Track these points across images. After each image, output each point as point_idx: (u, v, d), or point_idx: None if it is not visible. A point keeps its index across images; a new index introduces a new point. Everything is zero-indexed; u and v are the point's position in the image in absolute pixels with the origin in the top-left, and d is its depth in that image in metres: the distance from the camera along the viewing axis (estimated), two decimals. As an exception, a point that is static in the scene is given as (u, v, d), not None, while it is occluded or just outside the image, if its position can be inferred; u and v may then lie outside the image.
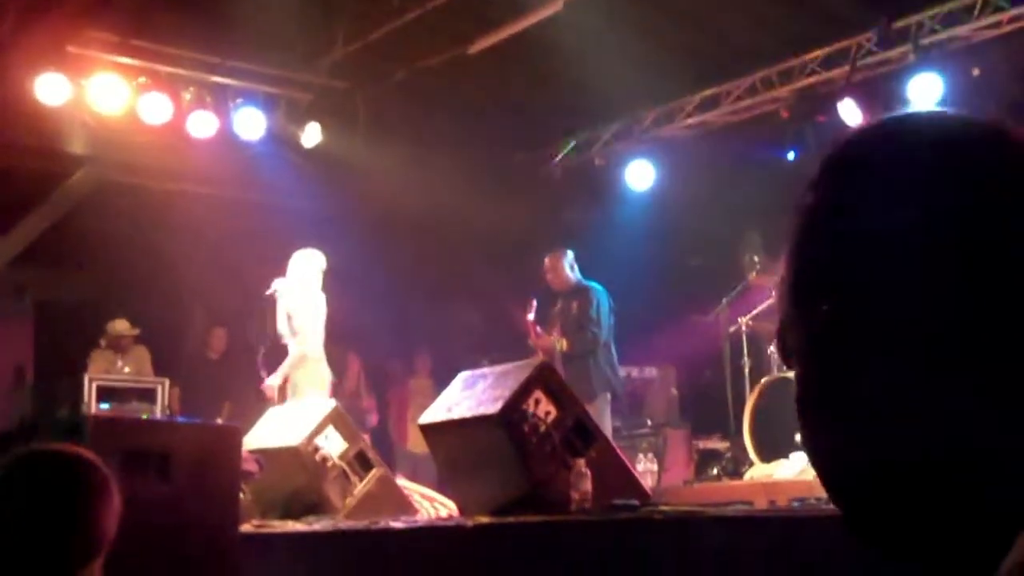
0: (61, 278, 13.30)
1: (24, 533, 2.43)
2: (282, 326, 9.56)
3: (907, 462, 0.90)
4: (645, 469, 9.33)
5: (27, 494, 2.46)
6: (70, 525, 2.46)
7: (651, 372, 11.22)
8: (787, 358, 1.00)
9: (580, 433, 5.74)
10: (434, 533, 5.67)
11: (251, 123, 11.12)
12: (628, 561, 4.64)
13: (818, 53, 10.46)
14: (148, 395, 9.97)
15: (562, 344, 9.53)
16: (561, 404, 5.77)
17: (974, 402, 0.88)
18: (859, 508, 0.94)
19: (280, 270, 9.68)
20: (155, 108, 10.61)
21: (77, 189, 11.43)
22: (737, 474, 9.30)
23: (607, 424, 9.16)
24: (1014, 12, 9.31)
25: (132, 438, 4.97)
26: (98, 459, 2.56)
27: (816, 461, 0.97)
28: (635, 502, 5.44)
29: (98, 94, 10.37)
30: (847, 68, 10.18)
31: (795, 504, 6.60)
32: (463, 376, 6.38)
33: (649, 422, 10.70)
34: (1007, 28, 9.46)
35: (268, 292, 9.53)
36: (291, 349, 9.55)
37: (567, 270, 9.75)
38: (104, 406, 9.63)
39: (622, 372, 10.06)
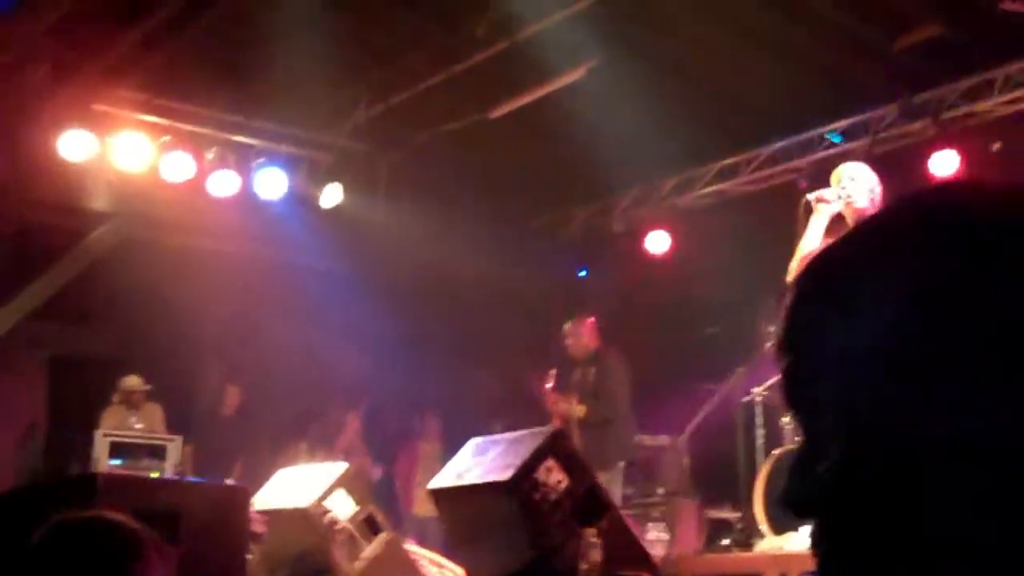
0: (79, 333, 13.34)
1: None
2: None
3: None
4: (656, 538, 9.25)
5: (71, 564, 2.35)
6: None
7: (663, 440, 11.14)
8: None
9: (591, 503, 5.71)
10: (441, 600, 5.63)
11: (272, 183, 11.14)
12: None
13: (839, 124, 10.50)
14: (160, 452, 9.96)
15: (580, 411, 9.49)
16: (573, 473, 5.75)
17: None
18: None
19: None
20: (178, 166, 10.65)
21: (98, 245, 11.49)
22: (748, 545, 9.20)
23: (617, 492, 9.10)
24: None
25: (142, 497, 4.98)
26: (142, 527, 2.44)
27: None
28: (644, 574, 5.40)
29: (122, 151, 10.43)
30: (867, 140, 10.22)
31: (807, 578, 6.53)
32: (474, 442, 6.38)
33: (660, 491, 10.60)
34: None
35: None
36: None
37: (588, 337, 9.73)
38: (116, 462, 9.63)
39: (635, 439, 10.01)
